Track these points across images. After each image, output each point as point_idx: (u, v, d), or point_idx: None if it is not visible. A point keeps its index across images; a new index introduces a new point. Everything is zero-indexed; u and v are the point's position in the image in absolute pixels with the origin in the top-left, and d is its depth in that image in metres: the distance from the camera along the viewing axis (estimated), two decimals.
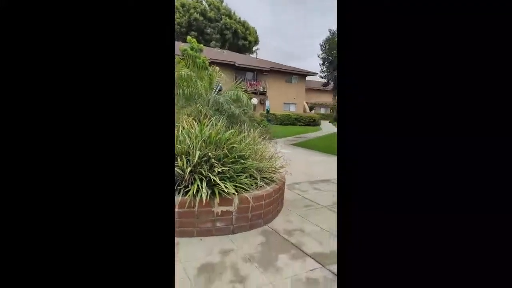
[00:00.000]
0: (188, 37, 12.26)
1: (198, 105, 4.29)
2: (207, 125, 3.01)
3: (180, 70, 4.56)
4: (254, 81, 20.93)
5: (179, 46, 12.16)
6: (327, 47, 9.08)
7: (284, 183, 3.27)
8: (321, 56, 9.53)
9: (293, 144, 9.08)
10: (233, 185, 2.45)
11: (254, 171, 2.79)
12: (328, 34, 8.93)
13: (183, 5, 29.36)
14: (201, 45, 12.17)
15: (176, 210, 2.27)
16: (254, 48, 34.07)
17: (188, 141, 2.63)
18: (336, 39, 8.74)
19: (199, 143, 2.61)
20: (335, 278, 1.89)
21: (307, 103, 27.24)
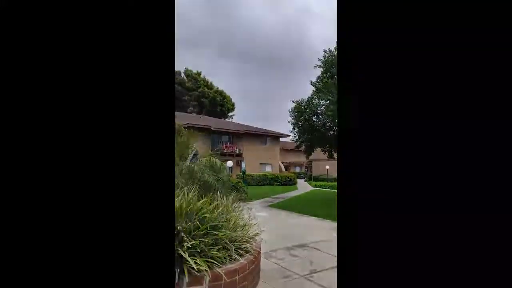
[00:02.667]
0: None
1: None
2: (178, 196, 2.98)
3: None
4: (230, 144, 21.68)
5: None
6: (295, 113, 10.32)
7: (259, 252, 3.14)
8: (291, 122, 10.74)
9: (270, 206, 8.97)
10: (204, 260, 2.32)
11: (227, 242, 2.69)
12: (292, 103, 10.53)
13: None
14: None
15: None
16: (230, 114, 36.26)
17: None
18: (301, 106, 10.02)
19: None
20: None
21: (282, 162, 28.04)
